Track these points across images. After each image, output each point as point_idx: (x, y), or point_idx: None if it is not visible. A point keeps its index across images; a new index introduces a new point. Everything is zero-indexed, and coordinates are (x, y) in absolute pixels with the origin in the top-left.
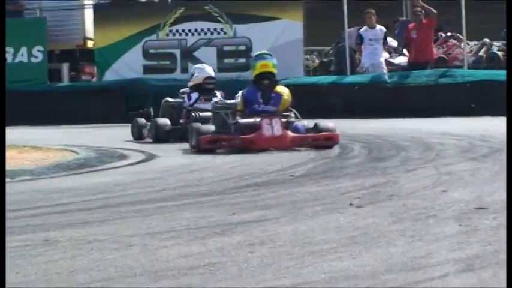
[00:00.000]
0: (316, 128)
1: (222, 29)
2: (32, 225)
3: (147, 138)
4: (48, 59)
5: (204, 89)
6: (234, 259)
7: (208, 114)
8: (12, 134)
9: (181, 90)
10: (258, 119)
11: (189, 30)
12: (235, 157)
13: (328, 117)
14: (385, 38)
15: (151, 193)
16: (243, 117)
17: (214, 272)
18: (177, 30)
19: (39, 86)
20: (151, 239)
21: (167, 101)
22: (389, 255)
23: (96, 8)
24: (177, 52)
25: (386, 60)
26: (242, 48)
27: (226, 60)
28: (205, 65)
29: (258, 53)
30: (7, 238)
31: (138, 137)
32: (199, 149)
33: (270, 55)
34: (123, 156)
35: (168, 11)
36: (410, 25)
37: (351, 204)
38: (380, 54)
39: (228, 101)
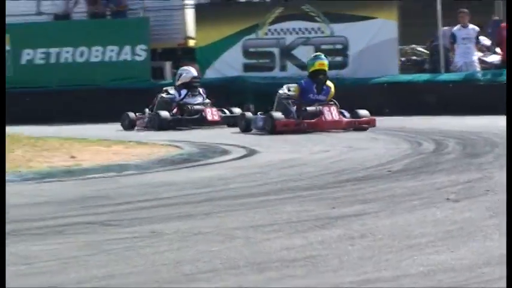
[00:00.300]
0: (356, 115)
1: (319, 28)
2: (139, 218)
3: (137, 128)
4: (151, 58)
5: (191, 86)
6: (334, 252)
7: (199, 107)
8: (118, 130)
9: (164, 88)
10: (320, 107)
11: (287, 30)
12: (333, 152)
13: (423, 114)
14: (477, 37)
15: (253, 187)
16: (298, 105)
17: (316, 264)
18: (275, 30)
19: (142, 84)
20: (254, 231)
21: (162, 97)
22: (485, 249)
23: (197, 7)
24: (276, 51)
25: (479, 59)
26: (339, 46)
27: None
28: (190, 67)
29: (315, 54)
30: (116, 230)
31: (128, 127)
32: (274, 132)
33: (325, 56)
34: (225, 152)
35: (267, 11)
36: (503, 24)
37: (447, 199)
38: (473, 53)
39: (290, 93)
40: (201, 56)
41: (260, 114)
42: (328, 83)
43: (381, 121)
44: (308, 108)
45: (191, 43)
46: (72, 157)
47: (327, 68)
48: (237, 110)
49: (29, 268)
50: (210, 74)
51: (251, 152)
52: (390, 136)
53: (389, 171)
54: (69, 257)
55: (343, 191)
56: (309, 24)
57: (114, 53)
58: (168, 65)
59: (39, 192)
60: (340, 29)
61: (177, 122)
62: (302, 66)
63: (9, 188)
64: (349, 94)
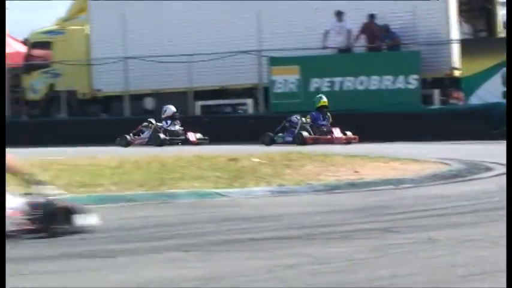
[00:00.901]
0: (344, 134)
1: None
2: (416, 226)
3: (135, 145)
4: (422, 86)
5: (173, 118)
6: None
7: (179, 131)
8: (392, 148)
9: (148, 119)
10: (329, 129)
11: None
12: None
13: None
14: None
15: None
16: (312, 128)
17: None
18: None
19: (414, 108)
20: None
21: (157, 125)
22: None
23: (462, 42)
24: None
25: None
26: None
27: None
28: (170, 106)
29: (319, 95)
30: (396, 236)
31: (125, 146)
32: (304, 144)
33: (324, 95)
34: (488, 169)
35: None
36: None
37: None
38: None
39: (307, 121)
40: (466, 85)
41: (277, 134)
42: (329, 113)
43: None
44: (324, 128)
45: (456, 73)
46: (356, 172)
47: (327, 104)
48: (199, 135)
49: (322, 268)
50: (474, 100)
51: None
52: None
53: None
54: (357, 258)
55: None
56: None
57: (389, 82)
58: (436, 93)
59: (328, 202)
60: None
61: (169, 141)
62: None
63: (302, 198)
64: None
